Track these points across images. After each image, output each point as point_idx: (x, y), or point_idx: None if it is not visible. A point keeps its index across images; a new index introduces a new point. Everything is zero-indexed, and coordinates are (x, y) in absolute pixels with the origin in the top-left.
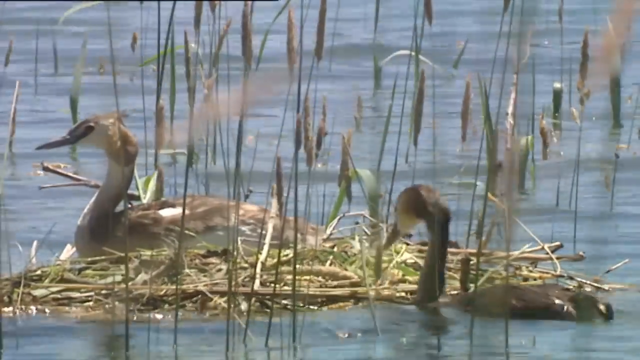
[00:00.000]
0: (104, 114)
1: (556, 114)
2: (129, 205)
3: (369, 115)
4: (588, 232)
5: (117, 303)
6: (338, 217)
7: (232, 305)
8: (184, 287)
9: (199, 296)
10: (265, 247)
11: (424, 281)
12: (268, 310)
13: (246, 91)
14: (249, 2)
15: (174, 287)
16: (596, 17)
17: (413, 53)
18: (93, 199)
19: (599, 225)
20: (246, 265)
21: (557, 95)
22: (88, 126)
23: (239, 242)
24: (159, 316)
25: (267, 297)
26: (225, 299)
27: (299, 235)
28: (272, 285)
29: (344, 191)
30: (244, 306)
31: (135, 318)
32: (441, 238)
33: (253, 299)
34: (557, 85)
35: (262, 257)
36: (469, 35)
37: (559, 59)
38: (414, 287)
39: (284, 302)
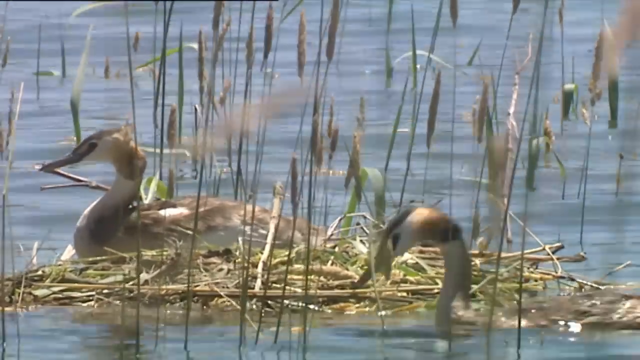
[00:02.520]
0: (108, 130)
1: (566, 115)
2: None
3: (379, 114)
4: (594, 233)
5: (125, 303)
6: (339, 218)
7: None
8: (197, 287)
9: (195, 297)
10: (267, 247)
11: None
12: (276, 310)
13: (262, 105)
14: (274, 3)
15: (185, 287)
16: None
17: (426, 53)
18: (95, 202)
19: (604, 227)
20: (247, 265)
21: (568, 96)
22: (91, 143)
23: (241, 242)
24: (168, 316)
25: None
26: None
27: (299, 236)
28: (280, 286)
29: (355, 192)
30: (254, 307)
31: (143, 318)
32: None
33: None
34: (569, 86)
35: (263, 257)
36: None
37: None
38: (415, 287)
39: (287, 302)
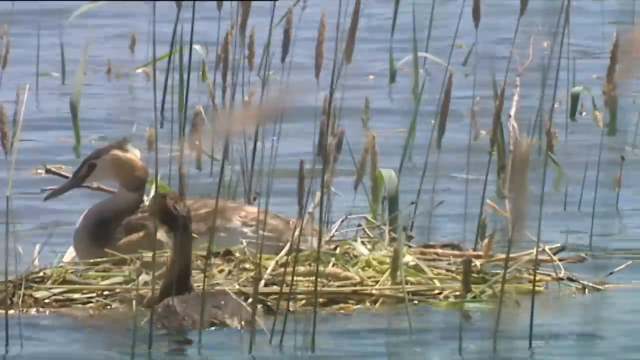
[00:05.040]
0: (104, 147)
1: (574, 117)
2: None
3: (383, 115)
4: (594, 232)
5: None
6: (341, 219)
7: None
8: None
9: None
10: (285, 248)
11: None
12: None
13: (265, 103)
14: (285, 5)
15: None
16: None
17: (427, 55)
18: (94, 205)
19: (604, 227)
20: (248, 265)
21: (575, 98)
22: (90, 164)
23: (244, 243)
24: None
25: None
26: None
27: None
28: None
29: (373, 194)
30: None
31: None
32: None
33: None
34: (577, 88)
35: (277, 258)
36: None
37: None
38: (417, 287)
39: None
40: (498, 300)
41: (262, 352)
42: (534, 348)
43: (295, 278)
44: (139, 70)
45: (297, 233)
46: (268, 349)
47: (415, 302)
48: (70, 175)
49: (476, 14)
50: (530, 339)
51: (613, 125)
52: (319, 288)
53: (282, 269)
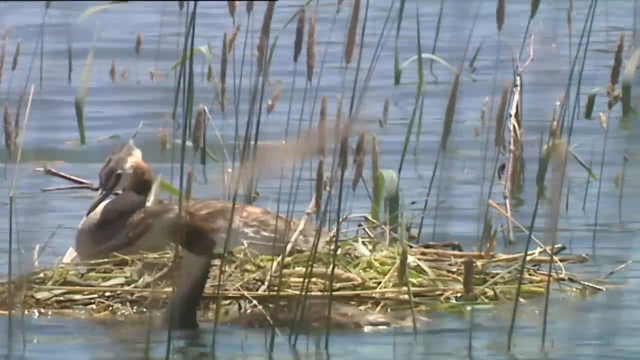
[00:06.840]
0: (119, 156)
1: (589, 117)
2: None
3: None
4: (596, 233)
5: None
6: (341, 219)
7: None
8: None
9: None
10: (288, 247)
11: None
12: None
13: (301, 143)
14: (312, 9)
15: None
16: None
17: (432, 56)
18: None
19: (607, 228)
20: (249, 267)
21: (591, 99)
22: (117, 175)
23: (245, 244)
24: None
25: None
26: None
27: (302, 237)
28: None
29: (374, 195)
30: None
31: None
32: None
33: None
34: (595, 89)
35: (278, 259)
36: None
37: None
38: (418, 289)
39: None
40: (513, 300)
41: (280, 354)
42: (546, 349)
43: (297, 279)
44: (147, 72)
45: (309, 233)
46: (285, 351)
47: (417, 303)
48: (69, 176)
49: (500, 15)
50: (543, 338)
51: (628, 123)
52: (321, 291)
53: (284, 270)
